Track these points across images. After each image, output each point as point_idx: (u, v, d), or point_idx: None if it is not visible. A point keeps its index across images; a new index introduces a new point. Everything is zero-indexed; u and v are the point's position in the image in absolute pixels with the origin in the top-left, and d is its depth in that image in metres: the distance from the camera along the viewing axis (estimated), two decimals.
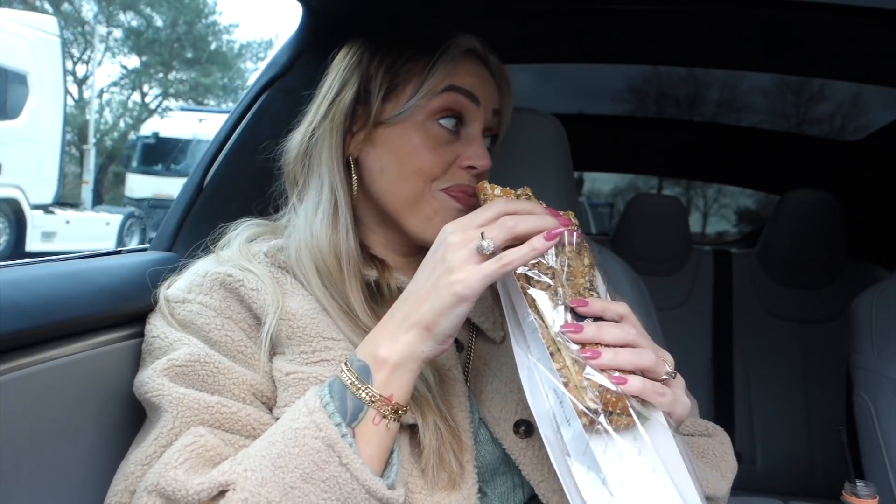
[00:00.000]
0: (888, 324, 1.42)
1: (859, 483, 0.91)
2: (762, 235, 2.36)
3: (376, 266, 0.85)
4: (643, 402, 0.63)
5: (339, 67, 0.88)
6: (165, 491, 0.65)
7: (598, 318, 0.66)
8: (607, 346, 0.63)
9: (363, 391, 0.67)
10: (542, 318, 0.65)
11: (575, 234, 0.69)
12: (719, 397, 2.20)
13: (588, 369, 0.61)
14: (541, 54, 1.94)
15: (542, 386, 0.63)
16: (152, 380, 0.73)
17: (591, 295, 0.67)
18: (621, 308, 0.67)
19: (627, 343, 0.64)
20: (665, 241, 2.33)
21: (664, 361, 0.66)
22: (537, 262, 0.66)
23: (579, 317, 0.65)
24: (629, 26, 1.65)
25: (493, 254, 0.65)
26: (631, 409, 0.61)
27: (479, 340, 0.86)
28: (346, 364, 0.69)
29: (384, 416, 0.67)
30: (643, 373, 0.64)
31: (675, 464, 0.62)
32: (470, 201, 0.84)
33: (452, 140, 0.85)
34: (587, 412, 0.60)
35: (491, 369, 0.83)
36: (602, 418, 0.60)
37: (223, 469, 0.66)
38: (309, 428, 0.65)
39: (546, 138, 1.33)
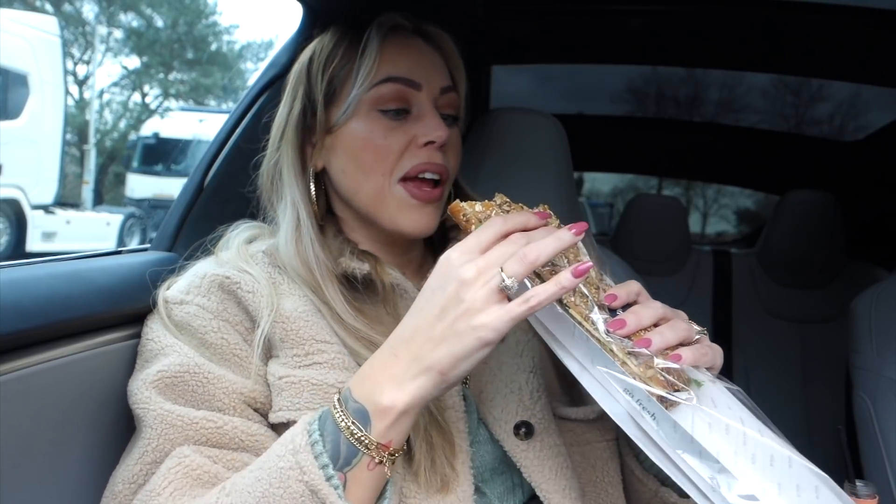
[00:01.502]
0: (888, 324, 1.42)
1: (859, 483, 0.90)
2: (762, 235, 2.36)
3: (368, 260, 0.84)
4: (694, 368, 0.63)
5: (290, 86, 0.89)
6: None
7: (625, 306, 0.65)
8: (646, 329, 0.63)
9: (360, 437, 0.63)
10: (584, 326, 0.62)
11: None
12: None
13: (656, 359, 0.61)
14: (541, 54, 1.94)
15: (613, 389, 0.62)
16: (141, 392, 0.73)
17: (607, 285, 0.67)
18: (634, 286, 0.67)
19: (659, 318, 0.64)
20: (665, 241, 2.33)
21: (689, 322, 0.66)
22: (552, 269, 0.64)
23: (612, 311, 0.64)
24: (629, 26, 1.65)
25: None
26: (694, 377, 0.61)
27: None
28: (339, 401, 0.65)
29: (380, 462, 0.64)
30: (682, 342, 0.63)
31: (733, 402, 0.62)
32: (431, 195, 0.83)
33: (401, 123, 0.83)
34: (668, 397, 0.59)
35: (491, 369, 0.83)
36: (686, 395, 0.59)
37: (209, 501, 0.66)
38: (293, 469, 0.62)
39: (546, 138, 1.33)
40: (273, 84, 1.13)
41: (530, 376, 0.82)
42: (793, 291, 2.28)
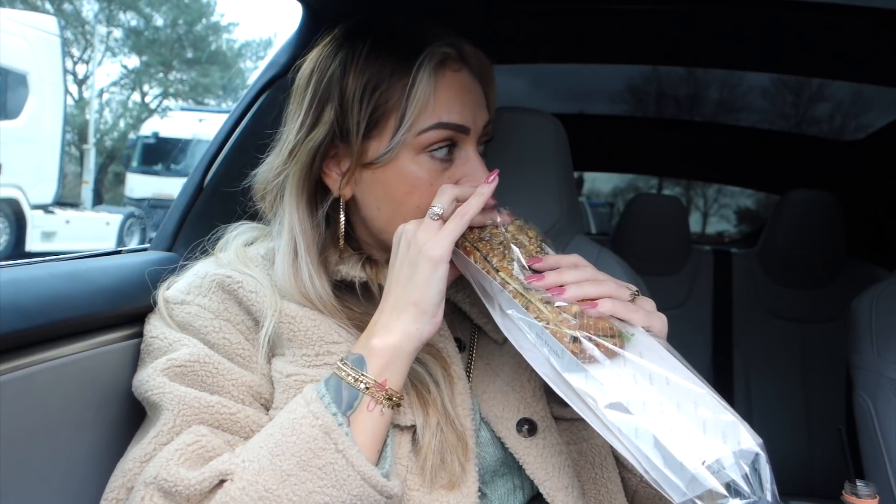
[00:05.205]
0: (888, 324, 1.42)
1: (859, 483, 0.90)
2: (762, 235, 2.36)
3: (365, 270, 0.83)
4: (622, 322, 0.68)
5: (307, 97, 0.81)
6: (166, 482, 0.66)
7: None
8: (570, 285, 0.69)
9: (358, 380, 0.70)
10: (507, 282, 0.70)
11: (506, 213, 0.77)
12: None
13: (559, 302, 0.67)
14: (541, 54, 1.94)
15: (525, 332, 0.68)
16: (153, 378, 0.73)
17: (546, 254, 0.73)
18: (573, 257, 0.72)
19: (587, 278, 0.69)
20: (665, 241, 2.33)
21: (625, 287, 0.71)
22: (489, 242, 0.73)
23: (538, 272, 0.71)
24: (629, 26, 1.65)
25: (446, 219, 0.72)
26: (614, 326, 0.65)
27: (482, 341, 0.87)
28: (341, 360, 0.72)
29: (378, 402, 0.69)
30: (609, 298, 0.68)
31: (662, 353, 0.65)
32: None
33: (448, 166, 0.80)
34: (572, 339, 0.64)
35: (493, 369, 0.84)
36: (586, 342, 0.64)
37: (223, 459, 0.67)
38: (306, 417, 0.67)
39: (546, 138, 1.33)
40: (273, 84, 1.13)
41: (532, 374, 0.82)
42: (793, 291, 2.27)
